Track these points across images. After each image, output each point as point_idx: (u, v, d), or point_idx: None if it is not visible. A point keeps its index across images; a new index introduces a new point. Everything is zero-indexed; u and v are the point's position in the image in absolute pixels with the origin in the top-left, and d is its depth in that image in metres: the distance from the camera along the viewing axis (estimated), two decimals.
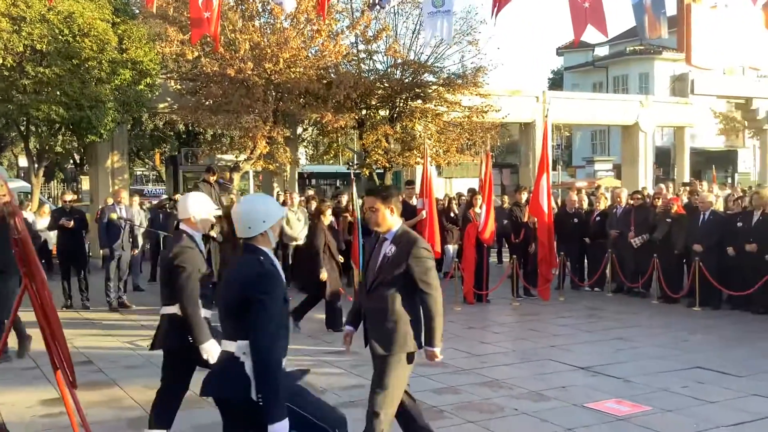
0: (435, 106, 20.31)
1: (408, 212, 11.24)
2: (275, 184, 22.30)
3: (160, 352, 4.93)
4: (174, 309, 4.73)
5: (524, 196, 12.39)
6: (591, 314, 10.58)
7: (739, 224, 10.47)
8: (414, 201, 11.29)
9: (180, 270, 4.65)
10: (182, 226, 4.92)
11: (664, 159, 37.36)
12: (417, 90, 20.44)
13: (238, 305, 3.42)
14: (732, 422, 5.67)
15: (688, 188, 14.83)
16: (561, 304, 11.45)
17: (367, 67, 20.74)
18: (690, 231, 11.10)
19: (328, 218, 9.99)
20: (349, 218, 13.21)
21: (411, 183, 11.79)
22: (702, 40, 34.11)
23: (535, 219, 11.75)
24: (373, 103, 20.76)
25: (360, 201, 12.69)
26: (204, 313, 4.71)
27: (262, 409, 3.29)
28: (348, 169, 21.87)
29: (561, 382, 6.96)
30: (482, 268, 11.46)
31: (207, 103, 19.00)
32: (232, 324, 3.48)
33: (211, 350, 4.53)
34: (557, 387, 6.77)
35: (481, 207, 11.54)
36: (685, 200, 12.71)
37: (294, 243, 13.42)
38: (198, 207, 4.94)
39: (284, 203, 14.65)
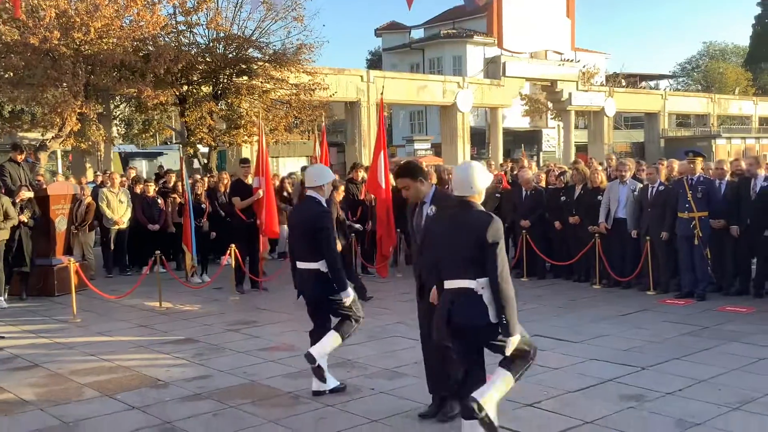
0: (262, 83, 19.77)
1: (244, 192, 10.81)
2: (88, 164, 20.72)
3: None
4: (318, 265, 5.62)
5: (361, 174, 12.33)
6: None
7: (563, 198, 11.07)
8: (249, 180, 10.84)
9: (324, 230, 5.56)
10: (311, 193, 5.74)
11: (478, 138, 39.16)
12: (242, 66, 19.81)
13: (479, 251, 4.19)
14: (579, 387, 5.92)
15: (512, 165, 15.52)
16: (399, 281, 11.56)
17: (187, 41, 19.74)
18: (515, 206, 11.60)
19: (341, 194, 10.47)
20: (179, 199, 12.50)
21: (246, 161, 11.31)
22: (512, 26, 36.18)
23: (373, 196, 11.74)
24: (195, 78, 19.84)
25: (190, 181, 12.07)
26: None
27: (500, 329, 4.17)
28: (179, 148, 20.72)
29: (413, 358, 6.92)
30: None
31: (6, 75, 17.22)
32: (470, 267, 4.22)
33: (351, 295, 5.71)
34: (410, 363, 6.74)
35: None
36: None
37: (116, 227, 12.51)
38: (327, 176, 5.87)
39: (102, 184, 13.64)
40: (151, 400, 5.84)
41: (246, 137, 20.21)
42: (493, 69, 32.90)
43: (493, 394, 4.27)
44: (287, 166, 26.55)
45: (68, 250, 11.44)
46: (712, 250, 9.64)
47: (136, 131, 33.02)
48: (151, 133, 25.99)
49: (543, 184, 11.95)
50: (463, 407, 4.38)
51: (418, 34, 55.67)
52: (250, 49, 20.23)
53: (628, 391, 5.75)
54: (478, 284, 4.21)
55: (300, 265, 5.82)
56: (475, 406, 4.17)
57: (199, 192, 12.19)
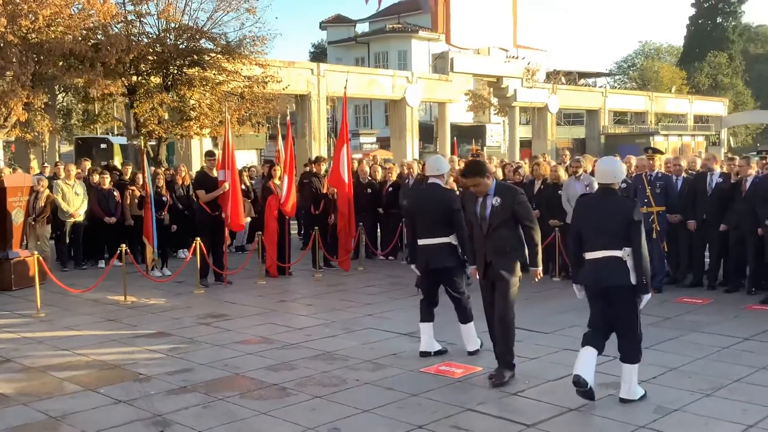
0: (214, 75, 19.51)
1: (209, 184, 10.71)
2: (32, 155, 20.14)
3: None
4: (449, 239, 6.54)
5: (323, 167, 12.35)
6: (394, 282, 10.87)
7: (559, 192, 11.23)
8: (215, 173, 10.73)
9: (458, 210, 6.45)
10: (435, 180, 6.69)
11: (424, 133, 39.46)
12: (194, 57, 19.50)
13: (625, 227, 5.29)
14: (557, 376, 6.13)
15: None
16: (362, 274, 11.64)
17: (137, 31, 19.32)
18: None
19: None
20: (138, 192, 12.29)
21: (211, 154, 11.17)
22: (459, 21, 36.42)
23: (335, 190, 11.78)
24: (145, 69, 19.44)
25: (151, 173, 11.87)
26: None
27: (638, 289, 5.33)
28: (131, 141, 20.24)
29: (390, 349, 7.06)
30: (284, 241, 11.29)
31: None
32: (616, 239, 5.31)
33: (470, 269, 6.47)
34: (389, 355, 6.86)
35: (281, 179, 11.33)
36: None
37: (72, 220, 12.22)
38: (446, 166, 6.88)
39: (55, 176, 13.29)
40: (136, 394, 5.79)
41: (198, 129, 19.93)
42: (441, 64, 33.17)
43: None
44: (237, 158, 26.26)
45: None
46: (668, 244, 10.01)
47: (74, 122, 32.21)
48: (99, 124, 25.25)
49: (500, 178, 12.17)
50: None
51: (363, 27, 55.80)
52: (202, 40, 19.95)
53: (604, 379, 5.95)
54: (624, 253, 5.29)
55: (430, 240, 6.59)
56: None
57: (160, 184, 12.01)
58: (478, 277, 6.19)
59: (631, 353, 5.47)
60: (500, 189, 5.96)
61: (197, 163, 22.13)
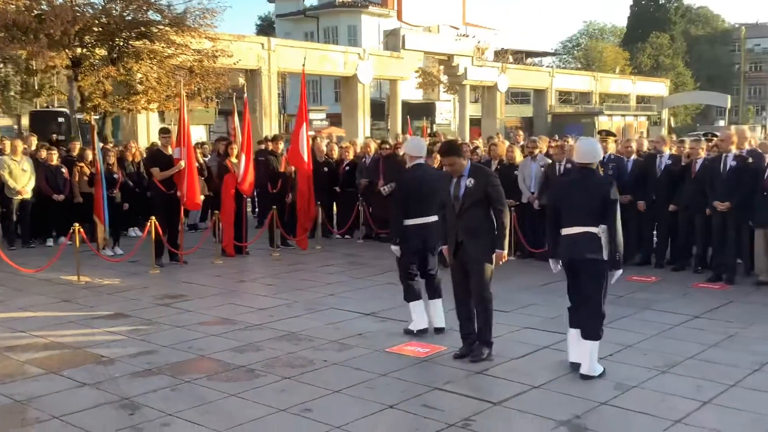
0: (162, 48, 19.06)
1: (164, 162, 10.53)
2: None
3: None
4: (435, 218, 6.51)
5: (281, 145, 12.26)
6: (352, 261, 10.91)
7: (516, 173, 11.35)
8: (169, 150, 10.55)
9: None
10: (421, 161, 6.83)
11: (375, 110, 39.38)
12: (142, 29, 19.00)
13: (602, 205, 5.55)
14: (520, 354, 6.28)
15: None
16: (320, 253, 11.65)
17: (83, 1, 18.71)
18: None
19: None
20: (88, 169, 12.01)
21: (166, 131, 10.95)
22: None
23: (293, 168, 11.72)
24: (90, 40, 18.87)
25: (100, 148, 11.60)
26: None
27: (610, 264, 5.58)
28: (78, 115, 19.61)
29: (355, 329, 7.11)
30: (241, 220, 11.21)
31: None
32: (593, 217, 5.55)
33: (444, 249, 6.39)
34: (354, 335, 6.91)
35: (238, 157, 11.21)
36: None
37: (19, 197, 11.88)
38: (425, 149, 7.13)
39: (1, 152, 12.86)
40: (100, 377, 5.72)
41: (145, 104, 19.51)
42: (393, 41, 33.10)
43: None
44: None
45: None
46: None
47: (13, 94, 31.11)
48: (45, 96, 24.43)
49: None
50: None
51: (311, 1, 55.16)
52: (150, 12, 19.45)
53: (565, 356, 6.13)
54: (599, 230, 5.55)
55: (422, 220, 6.67)
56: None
57: (111, 161, 11.76)
58: (448, 257, 6.26)
59: (592, 330, 5.67)
60: (474, 170, 6.08)
61: (144, 139, 21.68)
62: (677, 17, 70.52)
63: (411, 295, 6.90)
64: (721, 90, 63.22)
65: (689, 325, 7.25)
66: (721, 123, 55.50)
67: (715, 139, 10.14)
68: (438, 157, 8.60)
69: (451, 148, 6.17)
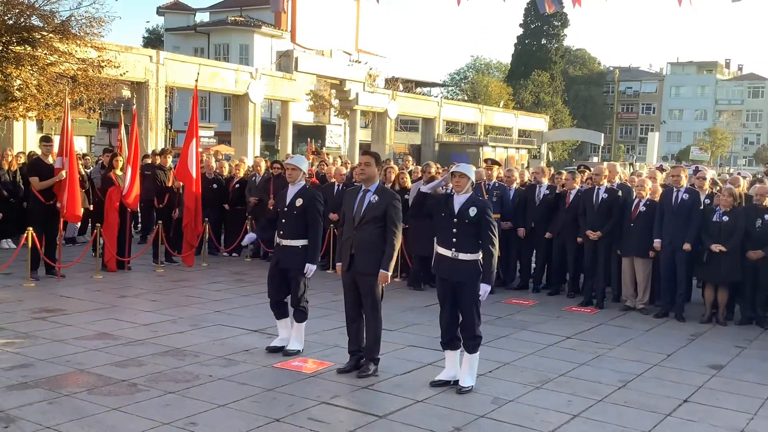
0: (45, 54, 18.30)
1: (44, 172, 10.13)
2: None
3: None
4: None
5: (169, 160, 12.05)
6: (239, 279, 10.84)
7: (406, 197, 11.59)
8: (50, 160, 10.17)
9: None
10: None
11: (266, 130, 39.20)
12: (24, 34, 18.19)
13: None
14: (405, 371, 6.48)
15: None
16: (206, 270, 11.49)
17: None
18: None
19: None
20: None
21: (47, 139, 10.52)
22: (305, 21, 36.45)
23: (181, 183, 11.54)
24: None
25: None
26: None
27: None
28: None
29: (242, 345, 7.10)
30: (125, 234, 10.92)
31: None
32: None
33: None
34: (241, 351, 6.90)
35: (123, 169, 10.94)
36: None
37: None
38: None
39: None
40: None
41: (23, 111, 18.64)
42: (286, 62, 33.16)
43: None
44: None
45: None
46: (500, 249, 10.73)
47: None
48: None
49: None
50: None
51: (202, 17, 54.36)
52: (33, 17, 18.67)
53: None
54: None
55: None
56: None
57: None
58: (340, 273, 6.37)
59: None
60: (380, 189, 6.28)
61: (20, 147, 20.67)
62: (557, 57, 74.24)
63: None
64: (596, 128, 67.12)
65: (562, 345, 7.69)
66: (595, 159, 58.77)
67: (587, 171, 10.79)
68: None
69: (374, 154, 6.42)
